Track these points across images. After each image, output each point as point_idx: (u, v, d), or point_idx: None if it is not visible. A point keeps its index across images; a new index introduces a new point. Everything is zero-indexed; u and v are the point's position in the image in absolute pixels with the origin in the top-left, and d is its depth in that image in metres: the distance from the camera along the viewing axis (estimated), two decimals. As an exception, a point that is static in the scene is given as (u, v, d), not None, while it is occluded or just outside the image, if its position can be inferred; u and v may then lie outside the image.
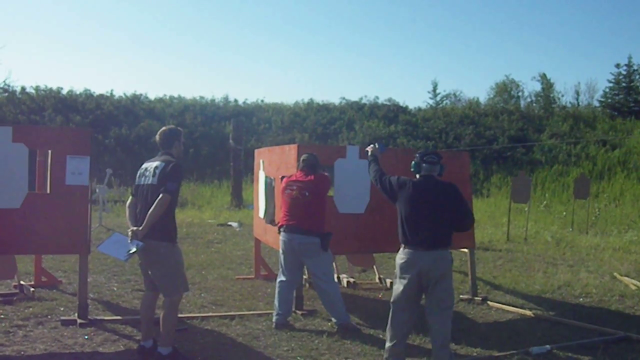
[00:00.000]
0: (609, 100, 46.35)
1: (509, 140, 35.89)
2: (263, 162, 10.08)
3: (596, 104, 48.96)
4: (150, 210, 6.10)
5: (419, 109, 43.27)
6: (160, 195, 6.09)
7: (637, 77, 46.01)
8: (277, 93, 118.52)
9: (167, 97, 39.51)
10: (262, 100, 41.08)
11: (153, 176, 6.26)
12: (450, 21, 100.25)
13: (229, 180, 26.43)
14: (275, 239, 9.27)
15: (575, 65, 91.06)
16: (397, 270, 6.16)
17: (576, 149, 35.39)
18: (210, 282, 10.37)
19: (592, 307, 9.49)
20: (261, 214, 10.06)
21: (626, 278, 11.55)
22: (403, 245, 6.17)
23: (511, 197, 18.99)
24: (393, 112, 39.70)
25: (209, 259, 12.40)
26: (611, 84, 46.88)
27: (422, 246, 6.01)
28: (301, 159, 7.98)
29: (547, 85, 50.21)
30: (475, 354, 6.99)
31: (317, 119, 37.81)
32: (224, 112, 37.20)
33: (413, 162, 6.33)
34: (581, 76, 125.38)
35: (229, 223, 18.39)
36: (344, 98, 42.18)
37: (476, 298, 9.54)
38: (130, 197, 6.61)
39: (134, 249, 6.13)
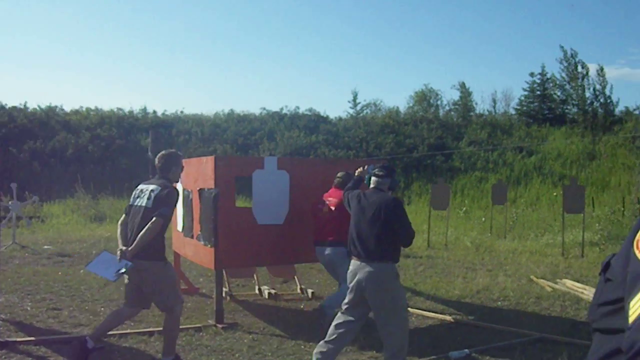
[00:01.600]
0: (525, 108, 47.42)
1: (428, 148, 36.37)
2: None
3: (512, 111, 50.00)
4: (142, 232, 6.27)
5: (340, 119, 43.44)
6: (154, 219, 6.26)
7: (551, 85, 47.28)
8: (197, 104, 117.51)
9: (84, 109, 38.48)
10: (181, 112, 40.45)
11: (148, 199, 6.44)
12: (370, 31, 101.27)
13: (149, 194, 25.97)
14: (194, 252, 9.17)
15: (491, 74, 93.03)
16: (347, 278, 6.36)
17: (494, 156, 36.12)
18: (129, 298, 10.14)
19: (509, 310, 9.68)
20: (179, 227, 9.92)
21: (542, 280, 11.83)
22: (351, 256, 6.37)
23: (431, 204, 19.24)
24: (314, 122, 39.75)
25: (128, 275, 12.13)
26: (526, 92, 47.99)
27: (360, 257, 6.18)
28: (336, 176, 8.54)
29: (465, 93, 51.09)
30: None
31: (237, 130, 37.58)
32: (142, 123, 36.53)
33: (367, 176, 6.66)
34: (497, 85, 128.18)
35: (149, 237, 18.07)
36: (264, 108, 42.03)
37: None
38: (123, 216, 6.73)
39: (123, 269, 6.25)
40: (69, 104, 79.68)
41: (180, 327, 8.13)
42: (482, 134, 39.78)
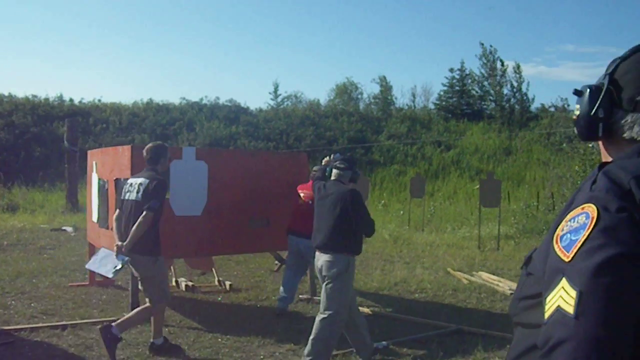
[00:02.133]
0: (444, 103, 48.17)
1: (348, 141, 36.55)
2: (96, 163, 9.70)
3: (431, 106, 50.78)
4: (134, 227, 6.44)
5: (260, 110, 43.28)
6: (144, 213, 6.43)
7: (469, 81, 48.14)
8: (115, 92, 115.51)
9: (-4, 96, 37.37)
10: (99, 100, 39.61)
11: (137, 192, 6.59)
12: (292, 22, 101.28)
13: (64, 183, 25.35)
14: (110, 243, 8.95)
15: (412, 68, 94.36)
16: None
17: (413, 150, 36.52)
18: (41, 290, 9.80)
19: (427, 302, 9.77)
20: (94, 217, 9.68)
21: (459, 273, 12.00)
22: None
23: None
24: (234, 113, 39.45)
25: (40, 266, 11.74)
26: (445, 88, 48.79)
27: (319, 248, 6.45)
28: (313, 169, 8.54)
29: (385, 87, 51.56)
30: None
31: (156, 120, 37.00)
32: (58, 111, 35.52)
33: (328, 168, 6.94)
34: (417, 79, 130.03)
35: (64, 228, 17.62)
36: (184, 98, 41.52)
37: (315, 297, 9.59)
38: (117, 211, 6.88)
39: (119, 265, 6.49)
40: (-20, 90, 77.09)
41: (95, 320, 7.99)
42: (401, 127, 40.17)
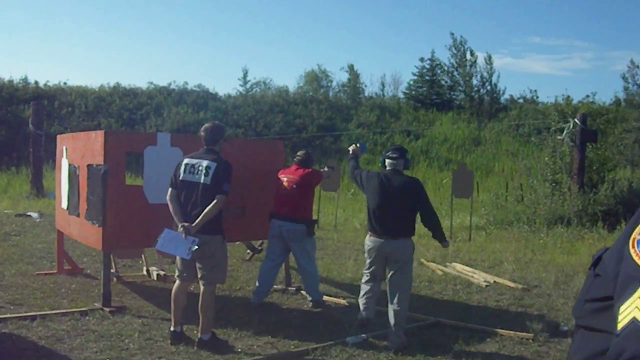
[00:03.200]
0: (413, 93, 48.25)
1: (318, 129, 36.44)
2: (66, 149, 9.42)
3: (401, 95, 50.86)
4: (207, 210, 6.51)
5: (229, 96, 42.98)
6: (218, 197, 6.53)
7: (439, 71, 48.25)
8: (81, 75, 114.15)
9: (-42, 78, 36.57)
10: (65, 83, 38.92)
11: (205, 175, 6.62)
12: (261, 8, 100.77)
13: (29, 168, 24.88)
14: (80, 231, 8.73)
15: (381, 57, 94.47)
16: (366, 253, 7.31)
17: (382, 139, 36.54)
18: (7, 279, 9.48)
19: (403, 294, 9.64)
20: (64, 204, 9.40)
21: (432, 264, 11.92)
22: (370, 233, 7.14)
23: (321, 185, 19.17)
24: (202, 99, 39.10)
25: (5, 253, 11.40)
26: (415, 77, 48.87)
27: (384, 235, 6.96)
28: (297, 155, 8.89)
29: (354, 76, 51.49)
30: (293, 347, 6.86)
31: (123, 104, 36.52)
32: (22, 94, 34.85)
33: (381, 158, 7.41)
34: (386, 68, 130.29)
35: (29, 213, 17.21)
36: (152, 83, 41.01)
37: (290, 288, 9.46)
38: (171, 190, 6.85)
39: (195, 246, 6.44)
40: (-59, 71, 75.81)
41: (65, 310, 7.75)
42: (371, 116, 40.17)
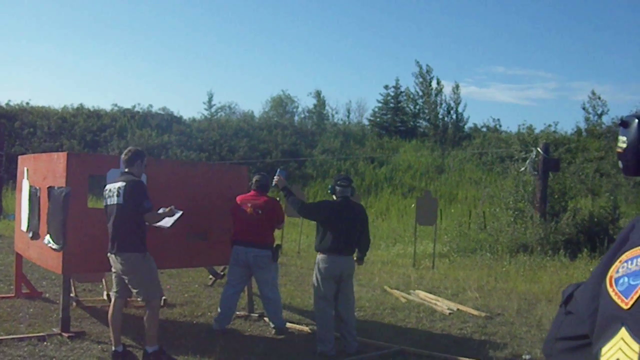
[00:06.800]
0: (378, 120, 48.59)
1: (282, 154, 36.40)
2: (28, 170, 9.27)
3: (366, 122, 51.16)
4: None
5: (194, 120, 42.91)
6: (145, 217, 6.80)
7: (404, 98, 48.64)
8: (44, 96, 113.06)
9: None
10: (27, 103, 38.62)
11: (118, 196, 6.78)
12: (227, 33, 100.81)
13: (-13, 188, 24.48)
14: (39, 254, 8.57)
15: (347, 84, 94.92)
16: (320, 273, 7.65)
17: (346, 165, 36.61)
18: (-38, 301, 9.30)
19: (366, 321, 9.59)
20: (24, 227, 9.23)
21: (396, 291, 11.89)
22: (325, 253, 7.63)
23: (285, 211, 19.04)
24: (167, 122, 38.93)
25: (-38, 276, 11.19)
26: (380, 104, 49.21)
27: (343, 253, 7.64)
28: (254, 179, 8.88)
29: (320, 102, 51.66)
30: (254, 375, 6.77)
31: (86, 126, 36.22)
32: (-17, 114, 34.50)
33: (330, 185, 8.10)
34: (352, 95, 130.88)
35: (-14, 235, 16.92)
36: (116, 105, 40.82)
37: (253, 315, 9.37)
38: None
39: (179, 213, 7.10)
40: None
41: (22, 335, 7.57)
42: (335, 142, 40.26)
